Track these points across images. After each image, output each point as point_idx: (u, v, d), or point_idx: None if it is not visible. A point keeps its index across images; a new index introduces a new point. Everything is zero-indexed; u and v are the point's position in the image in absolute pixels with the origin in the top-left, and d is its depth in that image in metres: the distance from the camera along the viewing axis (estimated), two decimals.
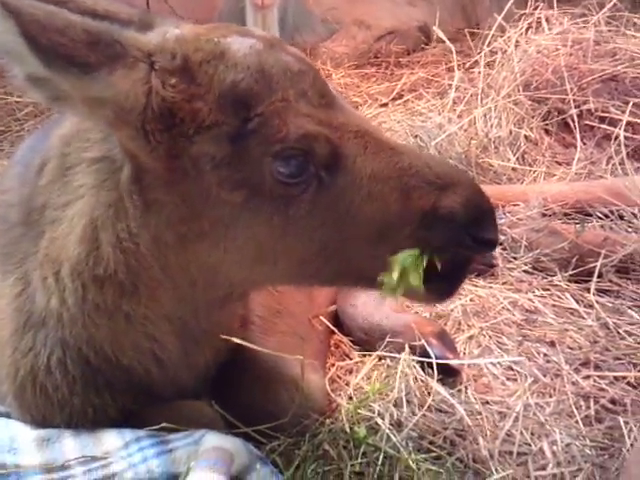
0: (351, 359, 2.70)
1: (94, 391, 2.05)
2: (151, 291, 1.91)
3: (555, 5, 4.55)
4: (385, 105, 4.96)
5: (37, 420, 2.08)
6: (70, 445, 1.99)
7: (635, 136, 3.78)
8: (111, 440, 2.00)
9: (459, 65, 4.57)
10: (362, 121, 1.88)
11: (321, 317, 2.71)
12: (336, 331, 2.77)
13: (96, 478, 1.90)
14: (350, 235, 1.81)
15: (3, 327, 2.10)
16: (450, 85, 4.51)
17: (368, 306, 2.78)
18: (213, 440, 1.93)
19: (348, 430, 2.25)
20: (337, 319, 2.84)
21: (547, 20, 4.41)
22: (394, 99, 5.02)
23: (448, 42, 4.49)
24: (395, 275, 1.75)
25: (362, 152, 1.78)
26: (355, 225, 1.80)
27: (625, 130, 3.72)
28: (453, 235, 1.78)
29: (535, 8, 4.52)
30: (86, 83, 1.62)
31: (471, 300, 2.97)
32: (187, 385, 2.14)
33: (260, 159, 1.72)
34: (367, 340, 2.73)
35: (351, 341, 2.78)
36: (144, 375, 2.05)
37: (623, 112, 3.81)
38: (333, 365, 2.66)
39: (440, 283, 1.87)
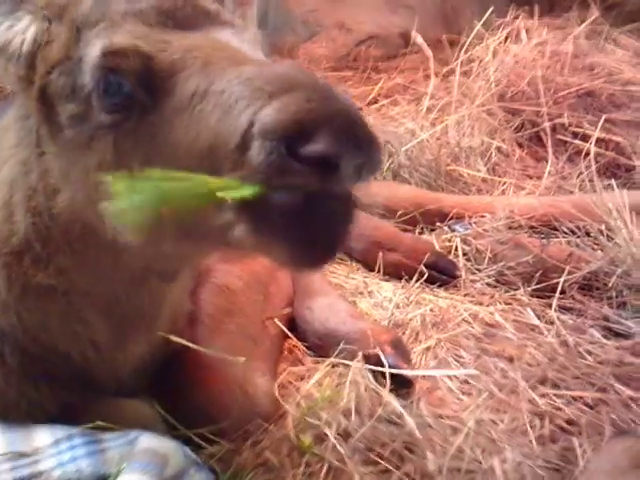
0: (304, 365, 2.62)
1: (31, 383, 2.00)
2: (57, 260, 1.87)
3: (536, 16, 4.52)
4: (360, 109, 4.89)
5: None
6: None
7: (607, 152, 3.75)
8: (41, 437, 1.93)
9: (437, 73, 4.52)
10: (215, 41, 1.61)
11: (275, 319, 2.62)
12: (290, 335, 2.69)
13: (22, 476, 1.83)
14: (181, 168, 1.46)
15: None
16: (426, 92, 4.45)
17: (325, 310, 2.71)
18: (147, 442, 1.87)
19: (293, 438, 2.17)
20: (292, 322, 2.76)
21: (526, 30, 4.37)
22: (369, 103, 4.96)
23: (426, 48, 4.43)
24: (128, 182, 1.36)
25: (186, 68, 1.52)
26: (182, 156, 1.50)
27: (597, 146, 3.68)
28: (269, 152, 1.34)
29: (515, 17, 4.49)
30: None
31: (431, 310, 2.90)
32: (125, 377, 2.08)
33: (85, 85, 1.65)
34: (321, 345, 2.65)
35: (305, 346, 2.71)
36: (81, 361, 2.00)
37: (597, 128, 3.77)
38: (285, 370, 2.57)
39: (299, 239, 1.42)
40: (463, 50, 4.38)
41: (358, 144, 1.36)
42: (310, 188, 1.36)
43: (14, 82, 1.81)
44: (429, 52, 4.42)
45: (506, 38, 4.38)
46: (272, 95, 1.38)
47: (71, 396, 2.02)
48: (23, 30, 1.75)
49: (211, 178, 1.38)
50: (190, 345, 2.07)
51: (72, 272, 1.89)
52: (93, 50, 1.62)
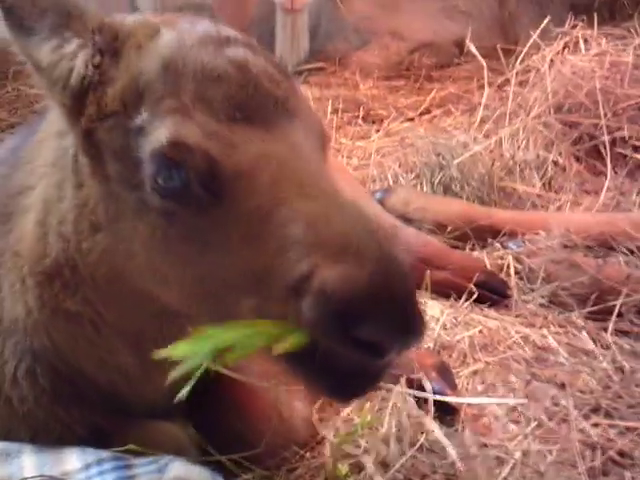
0: None
1: (62, 404, 1.95)
2: (83, 290, 1.82)
3: (595, 25, 4.36)
4: (411, 120, 4.81)
5: (1, 433, 1.98)
6: (29, 462, 1.89)
7: None
8: (72, 460, 1.89)
9: (491, 83, 4.40)
10: (284, 150, 1.53)
11: None
12: None
13: None
14: (223, 275, 1.52)
15: None
16: (480, 103, 4.34)
17: None
18: (178, 470, 1.82)
19: (330, 466, 2.08)
20: None
21: (585, 40, 4.23)
22: (422, 114, 4.88)
23: (480, 57, 4.31)
24: (183, 348, 1.44)
25: (251, 181, 1.48)
26: (233, 265, 1.50)
27: None
28: (323, 319, 1.35)
29: (573, 27, 4.34)
30: (28, 47, 1.64)
31: (480, 332, 2.79)
32: (157, 403, 2.00)
33: (142, 161, 1.57)
34: None
35: None
36: (110, 387, 1.95)
37: None
38: None
39: (331, 386, 1.49)
40: (519, 60, 4.24)
41: (409, 333, 1.39)
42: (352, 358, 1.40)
43: (56, 106, 1.73)
44: (482, 61, 4.28)
45: (564, 48, 4.23)
46: (337, 256, 1.37)
47: (101, 419, 1.97)
48: (71, 56, 1.64)
49: (266, 326, 1.42)
50: (228, 373, 2.00)
51: (98, 305, 1.84)
52: (159, 134, 1.53)
